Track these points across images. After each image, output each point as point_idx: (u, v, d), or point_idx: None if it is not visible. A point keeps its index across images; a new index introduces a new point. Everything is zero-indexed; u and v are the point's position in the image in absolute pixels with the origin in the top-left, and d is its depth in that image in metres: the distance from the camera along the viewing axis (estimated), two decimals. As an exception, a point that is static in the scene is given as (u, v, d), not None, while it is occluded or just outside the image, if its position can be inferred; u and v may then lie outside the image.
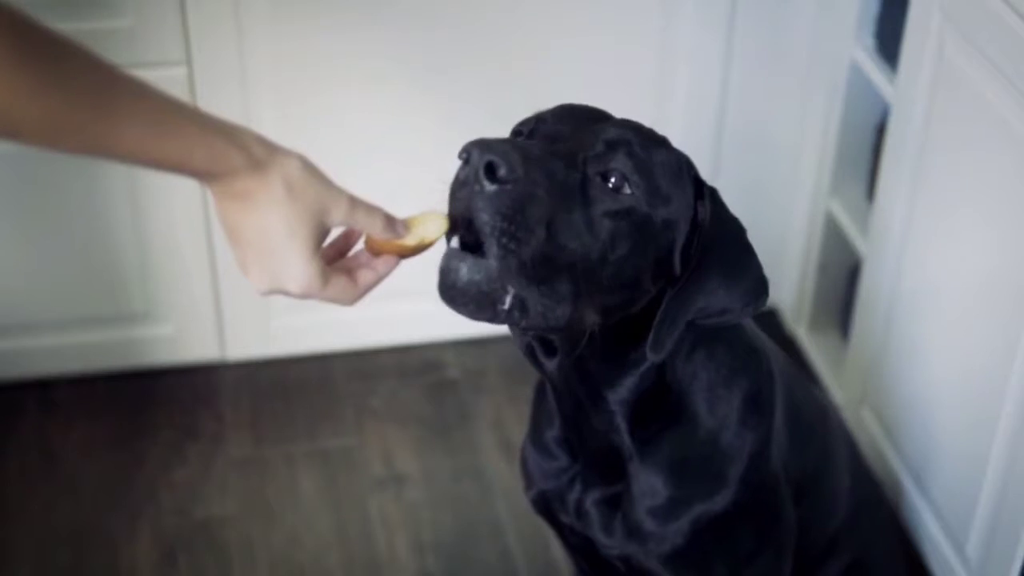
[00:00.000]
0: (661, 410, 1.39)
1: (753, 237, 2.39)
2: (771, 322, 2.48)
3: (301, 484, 2.18)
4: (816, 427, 1.59)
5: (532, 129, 1.30)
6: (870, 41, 2.10)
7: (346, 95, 2.15)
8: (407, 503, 2.14)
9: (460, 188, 1.19)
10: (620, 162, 1.24)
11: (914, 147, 1.91)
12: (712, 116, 2.27)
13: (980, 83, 1.73)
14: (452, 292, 1.20)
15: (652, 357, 1.31)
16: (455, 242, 1.21)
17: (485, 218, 1.17)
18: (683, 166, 1.31)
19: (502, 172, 1.16)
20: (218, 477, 2.18)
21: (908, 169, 1.92)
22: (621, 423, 1.39)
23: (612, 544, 1.47)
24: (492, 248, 1.18)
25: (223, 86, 2.10)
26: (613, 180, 1.24)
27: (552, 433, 1.49)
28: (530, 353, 1.36)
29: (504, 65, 2.17)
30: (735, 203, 2.36)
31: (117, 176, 2.15)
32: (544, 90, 2.19)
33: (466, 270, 1.19)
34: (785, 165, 2.34)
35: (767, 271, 2.42)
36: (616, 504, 1.46)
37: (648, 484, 1.42)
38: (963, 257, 1.82)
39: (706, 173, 2.33)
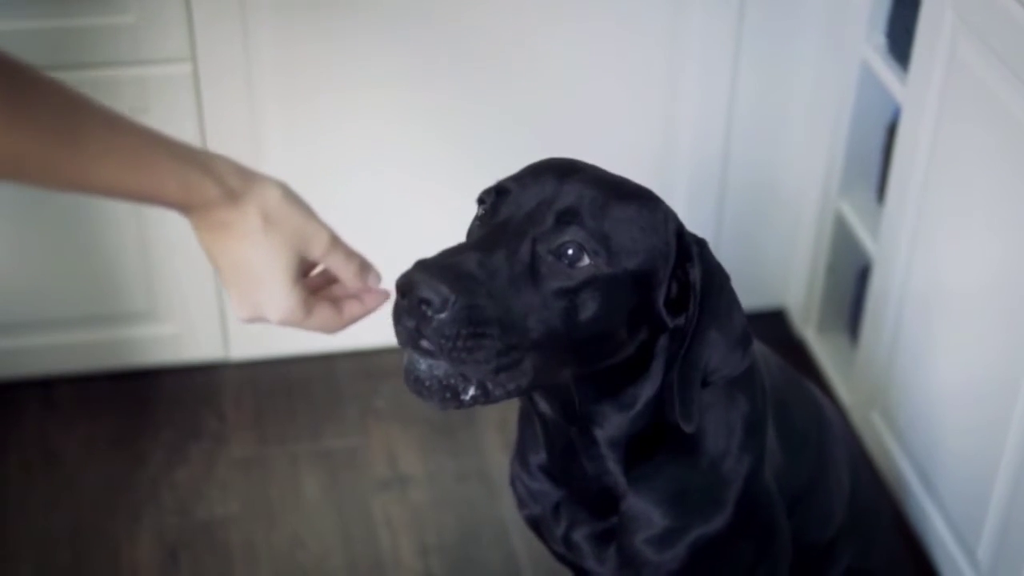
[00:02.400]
0: (658, 446, 1.38)
1: (762, 237, 2.41)
2: (779, 323, 2.46)
3: (304, 485, 2.16)
4: (810, 433, 1.58)
5: (493, 202, 1.30)
6: (881, 40, 2.08)
7: (352, 92, 2.14)
8: (411, 504, 2.13)
9: (399, 320, 1.22)
10: (571, 234, 1.24)
11: (925, 148, 1.89)
12: (721, 115, 2.25)
13: (993, 83, 1.72)
14: (417, 386, 1.24)
15: (687, 429, 1.31)
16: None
17: (430, 345, 1.20)
18: (659, 219, 1.29)
19: (436, 305, 1.18)
20: (220, 477, 2.17)
21: (919, 170, 1.91)
22: (613, 465, 1.39)
23: (605, 572, 1.46)
24: (448, 360, 1.20)
25: (228, 83, 2.08)
26: (570, 253, 1.24)
27: (536, 459, 1.48)
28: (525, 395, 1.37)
29: (511, 64, 2.16)
30: (744, 204, 2.38)
31: (120, 173, 2.14)
32: (552, 88, 2.19)
33: (426, 368, 1.23)
34: (794, 165, 2.33)
35: (776, 272, 2.44)
36: (608, 537, 1.45)
37: (644, 517, 1.41)
38: (974, 258, 1.81)
39: (714, 174, 2.34)
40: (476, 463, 2.20)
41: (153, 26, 2.02)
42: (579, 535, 1.46)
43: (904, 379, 2.01)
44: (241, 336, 2.33)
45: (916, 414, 1.99)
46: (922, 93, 1.88)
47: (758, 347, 1.54)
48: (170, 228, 2.21)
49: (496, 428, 2.27)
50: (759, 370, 1.45)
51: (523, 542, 2.07)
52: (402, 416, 2.29)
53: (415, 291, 1.18)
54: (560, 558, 1.56)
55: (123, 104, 2.07)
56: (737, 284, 2.39)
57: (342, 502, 2.13)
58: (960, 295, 1.85)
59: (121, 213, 2.18)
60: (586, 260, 1.24)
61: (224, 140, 2.13)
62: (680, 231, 1.30)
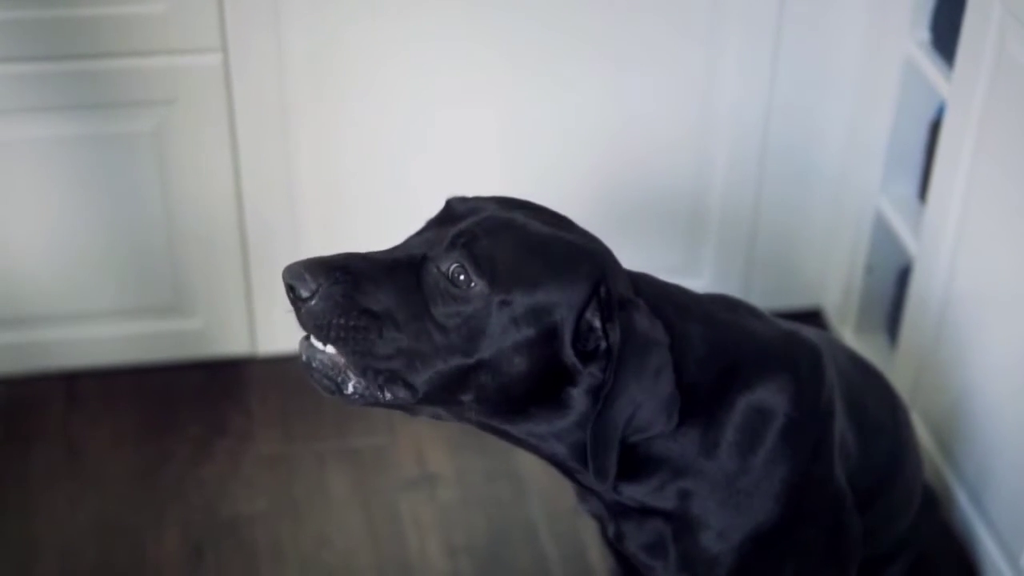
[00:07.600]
0: (646, 469, 1.38)
1: (799, 235, 2.37)
2: (816, 323, 2.43)
3: (331, 483, 2.14)
4: (885, 420, 1.58)
5: (437, 214, 1.36)
6: (925, 35, 2.05)
7: (385, 82, 2.12)
8: (439, 504, 2.11)
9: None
10: (456, 256, 1.27)
11: (970, 145, 1.86)
12: (760, 111, 2.23)
13: (1042, 78, 1.68)
14: (305, 368, 1.34)
15: (599, 487, 1.33)
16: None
17: (310, 333, 1.30)
18: (575, 264, 1.29)
19: (301, 292, 1.27)
20: (246, 474, 2.15)
21: (964, 167, 1.88)
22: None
23: (668, 574, 1.46)
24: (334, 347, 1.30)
25: (259, 73, 2.07)
26: (460, 277, 1.27)
27: None
28: None
29: (545, 62, 2.14)
30: (782, 200, 2.35)
31: (148, 167, 2.12)
32: (588, 82, 2.16)
33: (305, 356, 1.33)
34: (834, 162, 2.30)
35: (813, 270, 2.41)
36: (661, 545, 1.45)
37: (680, 524, 1.42)
38: (1020, 259, 1.77)
39: (752, 169, 2.31)
40: (505, 462, 2.18)
41: (184, 16, 2.00)
42: (631, 544, 1.46)
43: (945, 382, 1.98)
44: (268, 331, 2.31)
45: (958, 419, 1.95)
46: (968, 90, 1.84)
47: (823, 336, 1.53)
48: (199, 221, 2.19)
49: (526, 427, 2.24)
50: (822, 365, 1.43)
51: (552, 542, 2.05)
52: (431, 414, 2.27)
53: (284, 279, 1.28)
54: (618, 554, 1.56)
55: (153, 94, 2.06)
56: (773, 283, 2.40)
57: (369, 501, 2.11)
58: (1007, 296, 1.81)
59: (150, 205, 2.16)
60: (474, 284, 1.26)
61: (254, 131, 2.11)
62: (602, 284, 1.29)
